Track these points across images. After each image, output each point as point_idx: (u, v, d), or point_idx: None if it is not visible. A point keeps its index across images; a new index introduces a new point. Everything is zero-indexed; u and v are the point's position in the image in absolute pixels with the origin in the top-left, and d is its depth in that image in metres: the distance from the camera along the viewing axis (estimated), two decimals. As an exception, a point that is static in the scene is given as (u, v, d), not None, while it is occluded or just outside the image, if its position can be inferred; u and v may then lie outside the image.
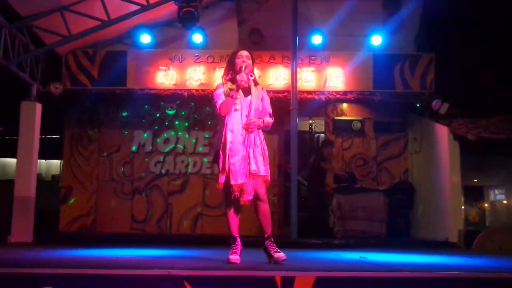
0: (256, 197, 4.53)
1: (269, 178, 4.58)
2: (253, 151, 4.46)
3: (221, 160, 4.46)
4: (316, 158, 10.09)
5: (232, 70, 4.68)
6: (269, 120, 4.68)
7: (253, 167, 4.42)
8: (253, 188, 4.46)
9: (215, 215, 9.99)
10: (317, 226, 9.49)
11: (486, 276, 3.84)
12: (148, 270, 3.61)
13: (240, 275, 3.61)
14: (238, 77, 4.47)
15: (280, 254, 4.42)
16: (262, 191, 4.54)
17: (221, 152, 4.47)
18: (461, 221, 8.98)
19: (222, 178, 4.45)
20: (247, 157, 4.43)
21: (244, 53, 4.67)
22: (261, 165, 4.49)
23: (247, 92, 4.58)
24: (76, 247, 6.68)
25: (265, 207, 4.57)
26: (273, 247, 4.50)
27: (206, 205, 10.19)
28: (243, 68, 4.52)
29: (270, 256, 4.52)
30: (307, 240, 8.39)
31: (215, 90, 4.65)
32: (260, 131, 4.62)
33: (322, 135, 10.80)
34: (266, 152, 4.61)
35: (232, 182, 4.39)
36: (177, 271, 3.58)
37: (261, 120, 4.59)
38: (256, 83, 4.69)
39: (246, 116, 4.50)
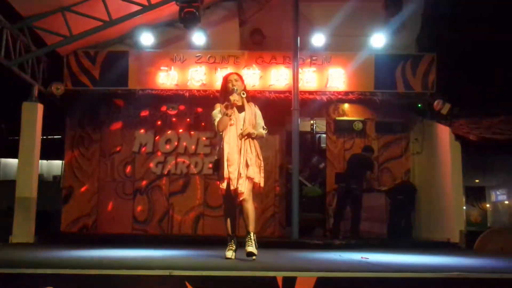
0: (239, 200, 5.02)
1: (262, 184, 5.09)
2: (249, 159, 4.98)
3: (221, 169, 4.97)
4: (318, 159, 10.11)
5: (225, 93, 5.18)
6: (262, 131, 5.19)
7: (250, 172, 4.95)
8: (249, 190, 4.99)
9: (216, 215, 9.97)
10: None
11: (487, 276, 3.83)
12: (149, 271, 3.61)
13: (241, 276, 3.61)
14: (230, 97, 5.01)
15: (250, 247, 4.85)
16: (242, 198, 4.97)
17: (221, 162, 4.99)
18: (462, 222, 8.97)
19: (223, 185, 4.98)
20: (243, 164, 4.95)
21: (233, 76, 5.25)
22: (256, 173, 5.00)
23: (241, 109, 5.11)
24: (78, 247, 6.68)
25: (247, 206, 4.99)
26: (249, 242, 4.89)
27: (208, 206, 10.20)
28: (235, 90, 5.08)
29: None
30: (308, 240, 8.41)
31: (213, 110, 5.17)
32: (255, 142, 5.10)
33: (324, 135, 10.80)
34: (260, 161, 5.09)
35: (232, 188, 4.94)
36: (178, 271, 3.58)
37: (254, 131, 5.07)
38: (248, 100, 5.20)
39: (241, 129, 5.03)
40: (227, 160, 4.94)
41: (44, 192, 9.36)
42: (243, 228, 5.11)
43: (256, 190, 5.09)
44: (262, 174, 5.09)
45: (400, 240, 9.22)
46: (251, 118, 5.10)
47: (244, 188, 4.93)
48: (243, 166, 4.94)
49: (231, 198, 5.06)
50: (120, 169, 10.28)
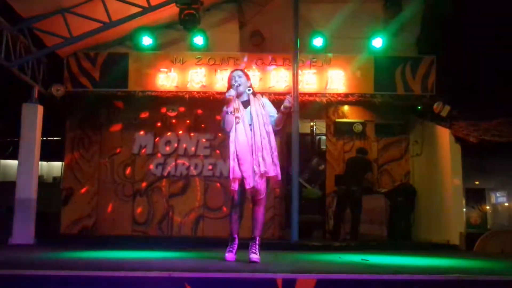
0: (254, 200, 4.88)
1: (279, 177, 4.87)
2: (262, 154, 4.79)
3: (231, 169, 4.77)
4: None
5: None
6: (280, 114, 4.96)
7: (262, 168, 4.75)
8: (265, 188, 4.83)
9: (216, 217, 9.99)
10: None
11: (487, 278, 3.83)
12: (149, 272, 3.61)
13: (241, 277, 3.61)
14: (226, 94, 4.90)
15: (253, 256, 4.76)
16: (261, 197, 4.85)
17: (231, 162, 4.79)
18: (462, 224, 8.97)
19: (234, 186, 4.77)
20: (256, 160, 4.76)
21: (236, 73, 5.11)
22: (270, 166, 4.80)
23: (246, 104, 4.98)
24: (77, 249, 6.67)
25: (258, 210, 4.89)
26: (253, 248, 4.82)
27: (207, 207, 10.19)
28: (233, 86, 4.97)
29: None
30: (308, 242, 8.40)
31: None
32: (270, 134, 4.91)
33: (323, 137, 10.80)
34: (276, 154, 4.88)
35: (247, 187, 4.74)
36: (178, 273, 3.58)
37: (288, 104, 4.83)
38: (254, 94, 5.06)
39: (250, 124, 4.86)
40: (239, 159, 4.76)
41: (44, 194, 9.34)
42: (244, 230, 5.09)
43: (273, 184, 4.92)
44: (278, 167, 4.87)
45: (400, 242, 9.23)
46: (259, 109, 4.94)
47: (262, 186, 4.78)
48: (257, 163, 4.76)
49: (241, 199, 4.89)
50: (120, 170, 10.27)
